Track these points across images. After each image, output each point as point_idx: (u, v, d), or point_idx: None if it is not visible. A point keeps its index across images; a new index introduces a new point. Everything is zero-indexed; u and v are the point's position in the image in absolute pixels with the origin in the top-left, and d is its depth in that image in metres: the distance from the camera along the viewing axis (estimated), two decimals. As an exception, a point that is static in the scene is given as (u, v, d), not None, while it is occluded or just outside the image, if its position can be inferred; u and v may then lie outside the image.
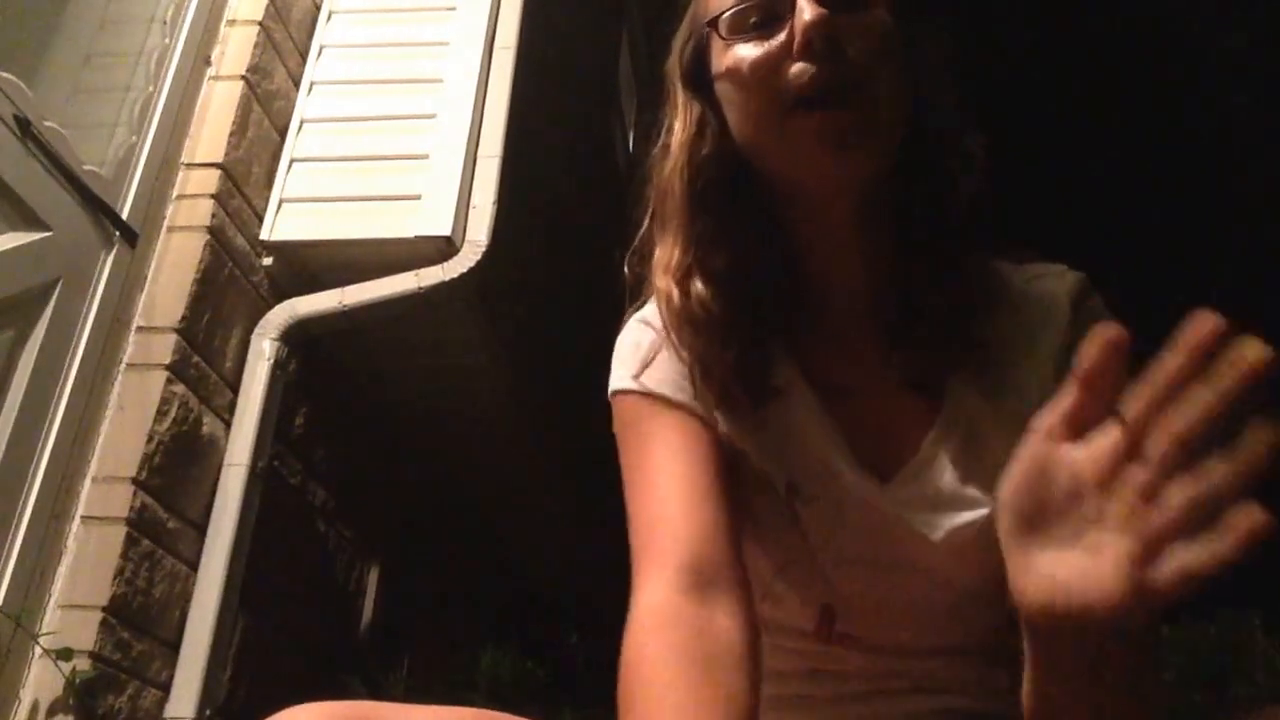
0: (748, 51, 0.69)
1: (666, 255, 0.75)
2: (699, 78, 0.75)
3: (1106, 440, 0.46)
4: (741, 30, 0.70)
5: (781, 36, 0.68)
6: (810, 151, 0.67)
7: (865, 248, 0.73)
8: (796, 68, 0.67)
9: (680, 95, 0.76)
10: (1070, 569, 0.46)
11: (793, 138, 0.68)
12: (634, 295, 0.81)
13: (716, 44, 0.73)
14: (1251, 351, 0.42)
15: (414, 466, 3.08)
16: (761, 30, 0.69)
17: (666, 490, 0.70)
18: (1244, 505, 0.42)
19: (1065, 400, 0.47)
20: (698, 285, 0.73)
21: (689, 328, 0.73)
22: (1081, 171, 6.98)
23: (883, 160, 0.69)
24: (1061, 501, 0.47)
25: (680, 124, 0.76)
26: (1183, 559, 0.43)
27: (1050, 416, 0.48)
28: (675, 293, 0.73)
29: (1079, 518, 0.46)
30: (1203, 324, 0.43)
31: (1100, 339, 0.45)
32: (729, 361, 0.72)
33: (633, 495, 0.73)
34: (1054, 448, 0.47)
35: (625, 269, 0.81)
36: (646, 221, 0.79)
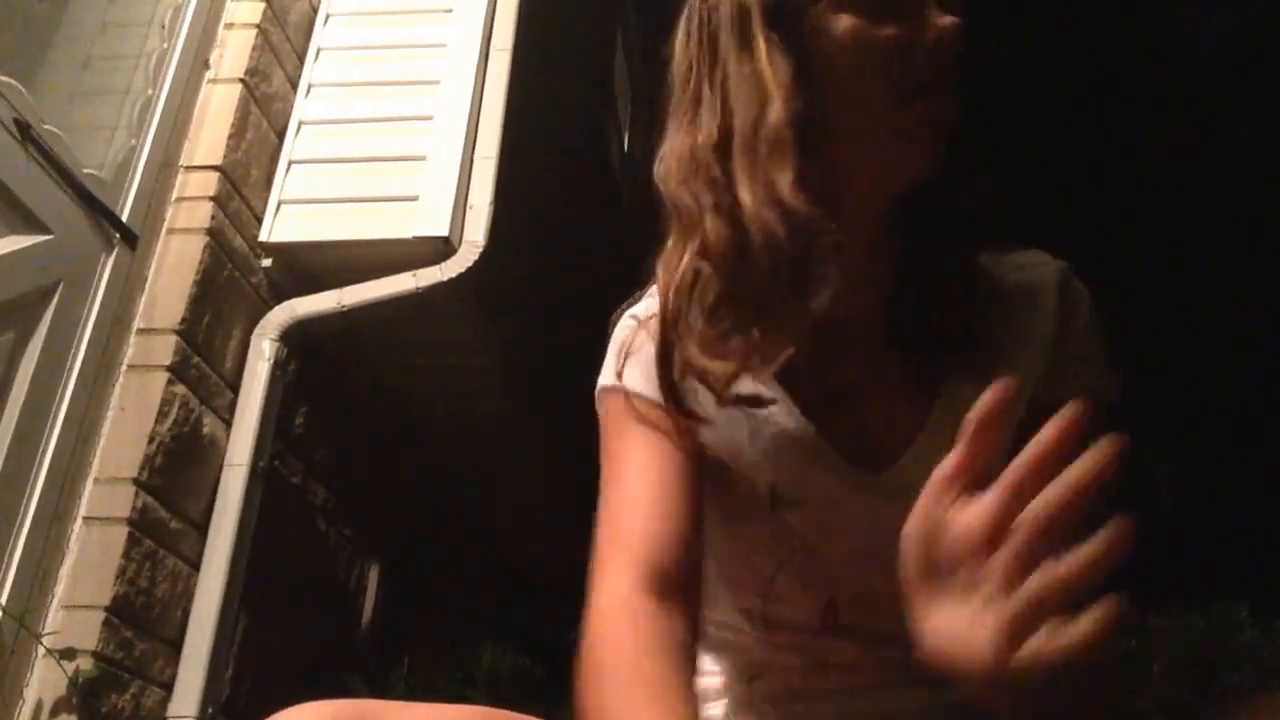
0: (870, 26, 0.68)
1: (785, 174, 0.68)
2: (790, 29, 0.71)
3: (984, 508, 0.48)
4: (857, 1, 0.69)
5: (910, 26, 0.68)
6: (924, 136, 0.68)
7: (883, 245, 0.74)
8: (924, 64, 0.67)
9: (766, 40, 0.71)
10: (953, 629, 0.49)
11: (912, 119, 0.68)
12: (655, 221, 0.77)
13: (823, 7, 0.70)
14: (1108, 447, 0.46)
15: (414, 465, 3.09)
16: (880, 8, 0.68)
17: (638, 490, 0.71)
18: (1102, 599, 0.44)
19: (959, 452, 0.49)
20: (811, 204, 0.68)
21: (789, 247, 0.68)
22: (1076, 169, 7.00)
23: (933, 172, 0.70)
24: (949, 558, 0.49)
25: (770, 66, 0.70)
26: (1039, 643, 0.45)
27: (946, 467, 0.50)
28: (807, 204, 0.67)
29: (965, 576, 0.49)
30: (1075, 413, 0.47)
31: (992, 393, 0.47)
32: (773, 315, 0.70)
33: (605, 492, 0.74)
34: (946, 502, 0.49)
35: (674, 194, 0.74)
36: (708, 153, 0.72)
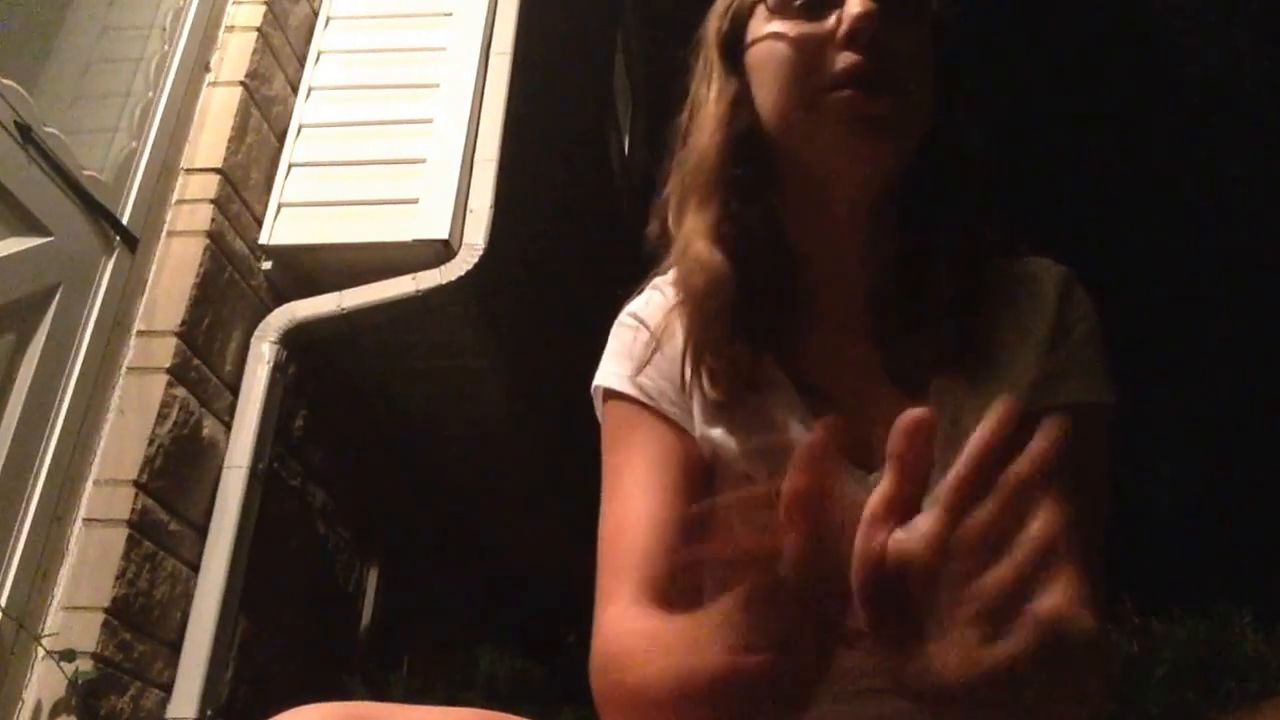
0: (792, 31, 0.70)
1: (702, 220, 0.75)
2: (735, 50, 0.75)
3: (925, 527, 0.45)
4: (787, 8, 0.71)
5: (829, 23, 0.69)
6: (840, 131, 0.68)
7: (867, 246, 0.74)
8: (841, 56, 0.68)
9: (716, 67, 0.76)
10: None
11: (825, 115, 0.68)
12: (658, 258, 0.81)
13: (758, 19, 0.73)
14: (1043, 440, 0.43)
15: (412, 468, 3.09)
16: (808, 12, 0.70)
17: (637, 505, 0.71)
18: (1034, 607, 0.42)
19: (886, 486, 0.46)
20: (720, 256, 0.73)
21: (708, 298, 0.73)
22: (1077, 170, 7.02)
23: (904, 155, 0.70)
24: (898, 589, 0.46)
25: (715, 96, 0.75)
26: (980, 653, 0.43)
27: (875, 505, 0.46)
28: (713, 259, 0.73)
29: (916, 604, 0.46)
30: (1004, 412, 0.44)
31: (905, 422, 0.44)
32: (733, 345, 0.73)
33: (605, 501, 0.74)
34: (884, 535, 0.46)
35: (650, 228, 0.81)
36: (671, 187, 0.78)
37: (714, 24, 0.78)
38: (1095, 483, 0.71)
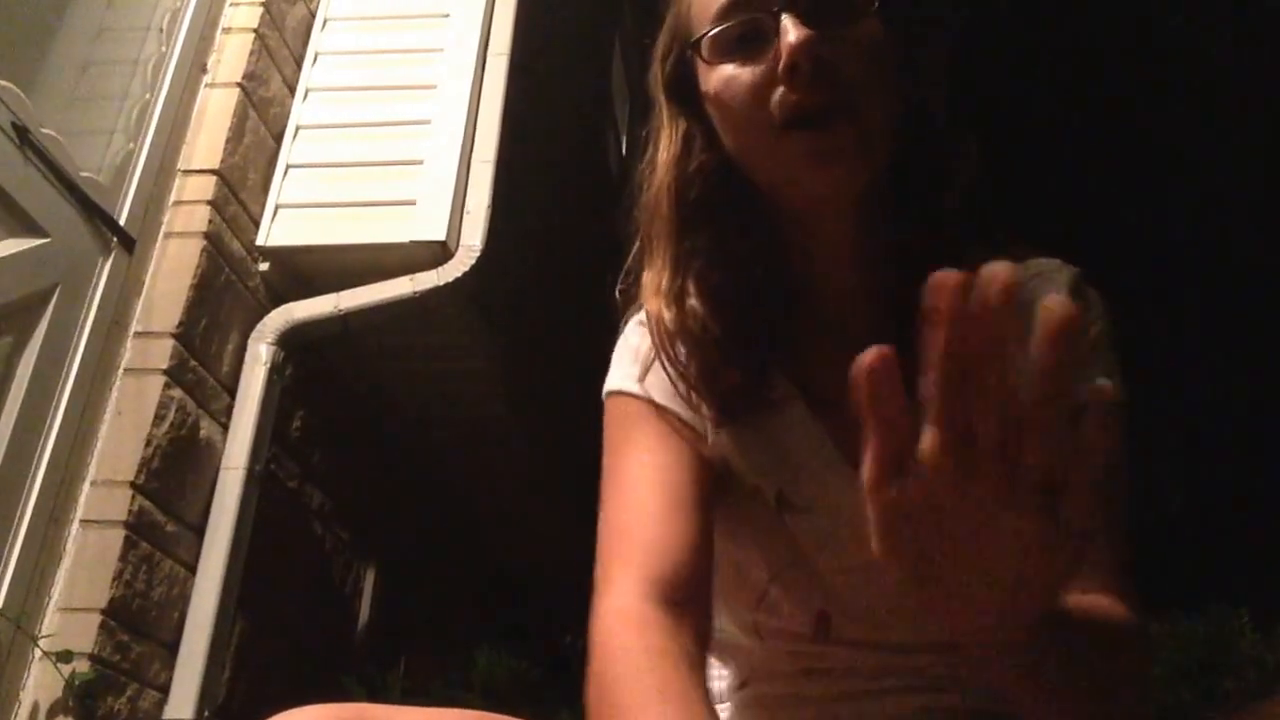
0: (734, 73, 0.68)
1: (655, 278, 0.75)
2: (683, 90, 0.74)
3: (930, 451, 0.43)
4: (725, 51, 0.69)
5: (768, 59, 0.67)
6: (800, 170, 0.67)
7: (860, 254, 0.73)
8: (782, 93, 0.66)
9: (664, 110, 0.76)
10: (967, 578, 0.45)
11: (784, 156, 0.67)
12: (625, 316, 0.81)
13: (701, 62, 0.72)
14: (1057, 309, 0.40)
15: (410, 469, 3.10)
16: (746, 48, 0.68)
17: (644, 498, 0.70)
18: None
19: (872, 446, 0.44)
20: (692, 303, 0.73)
21: (684, 346, 0.73)
22: (1084, 172, 7.03)
23: (873, 173, 0.69)
24: (929, 530, 0.45)
25: (666, 139, 0.75)
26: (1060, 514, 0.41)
27: (869, 470, 0.45)
28: (665, 315, 0.73)
29: (948, 534, 0.44)
30: (941, 289, 0.42)
31: (862, 366, 0.42)
32: (726, 377, 0.72)
33: (609, 495, 0.73)
34: (890, 493, 0.44)
35: (616, 293, 0.81)
36: (638, 242, 0.79)
37: (657, 68, 0.77)
38: (1117, 482, 0.70)
